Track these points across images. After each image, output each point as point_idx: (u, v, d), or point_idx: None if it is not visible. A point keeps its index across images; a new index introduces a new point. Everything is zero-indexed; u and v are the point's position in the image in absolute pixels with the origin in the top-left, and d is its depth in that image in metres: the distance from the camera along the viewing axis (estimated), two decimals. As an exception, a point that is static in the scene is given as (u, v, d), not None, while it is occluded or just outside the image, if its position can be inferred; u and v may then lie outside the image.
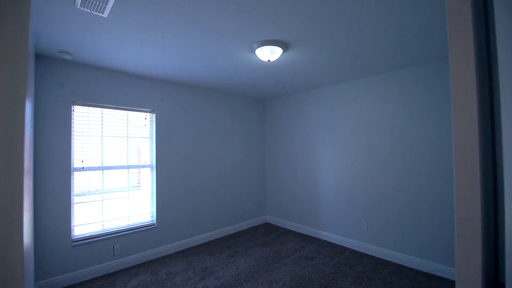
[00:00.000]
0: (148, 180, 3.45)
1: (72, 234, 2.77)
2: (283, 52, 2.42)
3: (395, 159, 3.17)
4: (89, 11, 1.76)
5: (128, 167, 3.22)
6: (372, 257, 3.28)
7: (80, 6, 1.71)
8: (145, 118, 3.42)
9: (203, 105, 4.01)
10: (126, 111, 3.21)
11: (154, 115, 3.46)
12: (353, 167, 3.59)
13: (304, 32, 2.13)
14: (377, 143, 3.35)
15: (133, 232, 3.18)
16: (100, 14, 1.81)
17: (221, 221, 4.19)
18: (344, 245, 3.66)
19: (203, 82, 3.63)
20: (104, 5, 1.70)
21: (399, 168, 3.13)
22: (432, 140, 2.88)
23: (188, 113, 3.81)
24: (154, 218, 3.42)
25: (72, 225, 2.77)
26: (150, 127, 3.47)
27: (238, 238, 4.05)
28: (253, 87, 3.99)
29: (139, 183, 3.43)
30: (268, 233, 4.30)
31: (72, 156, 2.78)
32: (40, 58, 2.57)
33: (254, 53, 2.45)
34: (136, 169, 3.35)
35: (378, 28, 2.07)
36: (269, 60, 2.43)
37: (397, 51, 2.56)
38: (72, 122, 2.79)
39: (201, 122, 3.97)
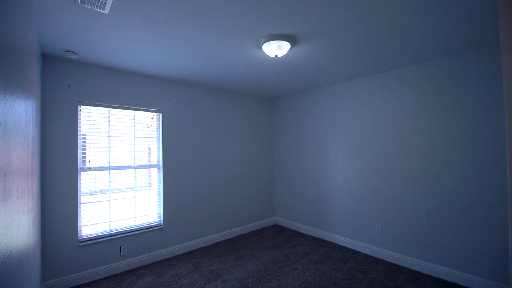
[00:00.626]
0: (151, 181, 3.43)
1: (79, 234, 2.77)
2: (291, 47, 2.31)
3: (412, 159, 2.99)
4: (90, 7, 1.72)
5: (135, 167, 3.20)
6: (386, 262, 3.11)
7: (81, 2, 1.66)
8: (152, 118, 3.39)
9: (211, 104, 3.95)
10: (133, 111, 3.19)
11: (160, 115, 3.42)
12: (366, 167, 3.43)
13: (313, 25, 2.01)
14: (392, 142, 3.17)
15: (140, 232, 3.15)
16: (101, 11, 1.76)
17: (229, 222, 4.12)
18: (357, 249, 3.50)
19: (210, 80, 3.56)
20: (104, 1, 1.64)
21: (417, 169, 2.94)
22: (454, 139, 2.68)
23: (195, 113, 3.75)
24: (161, 218, 3.39)
25: (79, 225, 2.76)
26: (157, 127, 3.43)
27: (246, 240, 3.96)
28: (261, 85, 3.89)
29: (150, 182, 3.41)
30: (277, 235, 4.19)
31: (79, 156, 2.78)
32: (47, 58, 2.57)
33: (261, 48, 2.35)
34: (146, 169, 3.33)
35: (394, 20, 1.93)
36: (276, 56, 2.32)
37: (415, 44, 2.39)
38: (79, 122, 2.79)
39: (208, 121, 3.90)
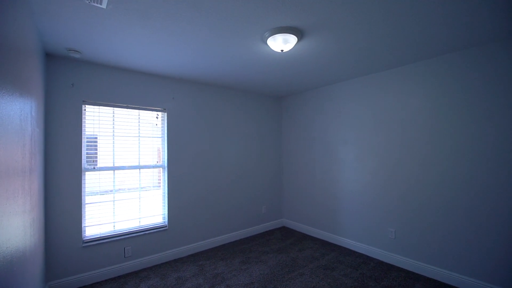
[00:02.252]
0: (158, 181, 3.37)
1: (83, 234, 2.74)
2: (298, 41, 2.19)
3: (429, 160, 2.79)
4: (87, 1, 1.66)
5: (139, 167, 3.16)
6: (401, 269, 2.93)
7: (77, -4, 1.61)
8: (157, 117, 3.34)
9: (216, 103, 3.87)
10: (137, 110, 3.15)
11: (165, 114, 3.37)
12: (379, 168, 3.25)
13: (321, 16, 1.88)
14: (408, 141, 2.99)
15: (144, 233, 3.10)
16: (99, 5, 1.70)
17: (236, 224, 4.02)
18: (369, 254, 3.32)
19: (214, 78, 3.48)
20: (100, -6, 1.58)
21: (434, 170, 2.75)
22: (477, 138, 2.48)
23: (200, 112, 3.68)
24: (166, 219, 3.33)
25: (83, 225, 2.74)
26: (162, 126, 3.38)
27: (253, 243, 3.85)
28: (267, 83, 3.78)
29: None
30: (285, 238, 4.06)
31: (83, 156, 2.76)
32: (50, 57, 2.56)
33: (266, 43, 2.24)
34: (152, 168, 3.27)
35: (408, 10, 1.77)
36: (282, 50, 2.21)
37: (434, 35, 2.22)
38: (83, 122, 2.76)
39: (214, 121, 3.83)
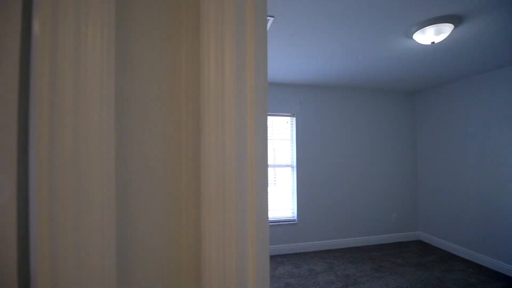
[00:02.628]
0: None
1: (234, 218, 3.43)
2: (454, 28, 1.93)
3: None
4: (252, 34, 2.11)
5: (274, 166, 3.63)
6: None
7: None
8: (287, 122, 3.72)
9: (342, 105, 3.88)
10: (271, 117, 3.64)
11: (294, 119, 3.71)
12: None
13: (493, -5, 1.60)
14: None
15: (278, 224, 3.52)
16: (260, 35, 2.13)
17: (362, 228, 3.88)
18: None
19: (343, 81, 3.52)
20: (264, 26, 1.98)
21: None
22: None
23: (326, 115, 3.81)
24: (295, 214, 3.65)
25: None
26: (291, 130, 3.74)
27: (383, 252, 3.60)
28: (401, 79, 3.45)
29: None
30: (423, 253, 3.55)
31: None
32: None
33: (411, 37, 2.10)
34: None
35: None
36: (433, 42, 2.01)
37: None
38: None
39: (340, 123, 3.85)
